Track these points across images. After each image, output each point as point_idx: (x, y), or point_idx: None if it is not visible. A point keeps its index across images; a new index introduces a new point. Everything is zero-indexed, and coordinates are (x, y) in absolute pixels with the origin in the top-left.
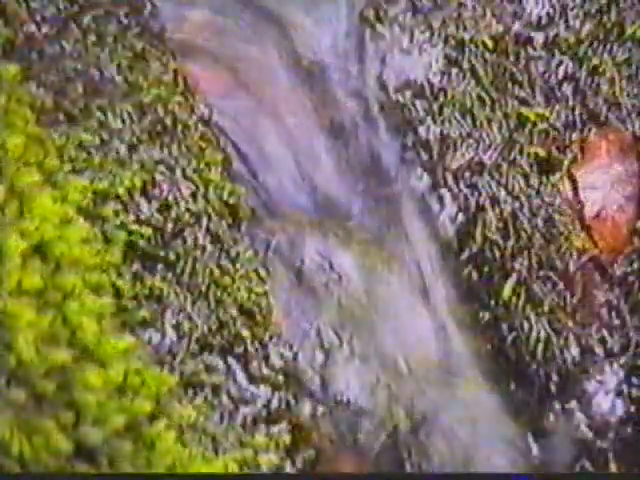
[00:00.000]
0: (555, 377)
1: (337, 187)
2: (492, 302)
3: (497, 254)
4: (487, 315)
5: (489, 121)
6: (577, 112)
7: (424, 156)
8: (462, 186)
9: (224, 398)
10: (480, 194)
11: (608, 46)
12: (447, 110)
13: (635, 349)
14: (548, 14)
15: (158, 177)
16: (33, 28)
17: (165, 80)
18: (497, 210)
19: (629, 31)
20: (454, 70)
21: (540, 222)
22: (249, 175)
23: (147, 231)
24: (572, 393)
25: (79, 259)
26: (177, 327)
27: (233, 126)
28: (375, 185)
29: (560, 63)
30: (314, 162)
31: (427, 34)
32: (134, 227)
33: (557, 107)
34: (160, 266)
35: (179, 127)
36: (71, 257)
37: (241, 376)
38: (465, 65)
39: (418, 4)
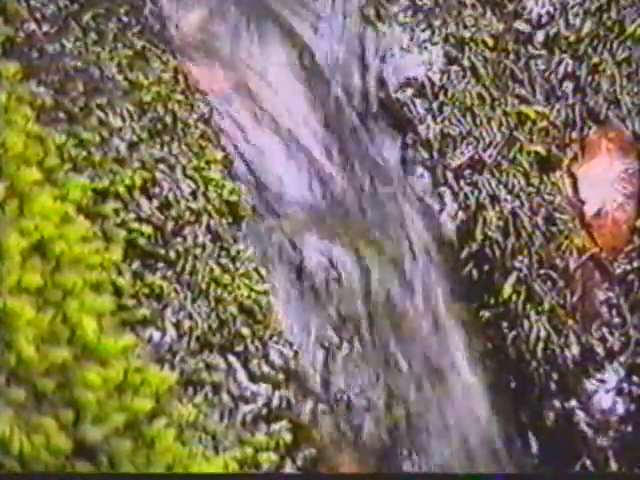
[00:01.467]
0: (555, 376)
1: (337, 185)
2: (492, 301)
3: (497, 252)
4: (487, 314)
5: (489, 119)
6: (577, 110)
7: (424, 154)
8: (462, 184)
9: (224, 396)
10: (480, 192)
11: (608, 44)
12: (447, 108)
13: (635, 347)
14: (548, 12)
15: (158, 175)
16: (33, 26)
17: (165, 78)
18: (497, 208)
19: (629, 29)
20: (454, 68)
21: (540, 220)
22: (249, 173)
23: (147, 229)
24: (572, 392)
25: (79, 257)
26: (177, 325)
27: (233, 125)
28: (375, 184)
29: (560, 61)
30: (314, 161)
31: (427, 32)
32: (134, 225)
33: (557, 105)
34: (160, 264)
35: (179, 125)
36: (71, 255)
37: (241, 374)
38: (465, 63)
39: (419, 2)
